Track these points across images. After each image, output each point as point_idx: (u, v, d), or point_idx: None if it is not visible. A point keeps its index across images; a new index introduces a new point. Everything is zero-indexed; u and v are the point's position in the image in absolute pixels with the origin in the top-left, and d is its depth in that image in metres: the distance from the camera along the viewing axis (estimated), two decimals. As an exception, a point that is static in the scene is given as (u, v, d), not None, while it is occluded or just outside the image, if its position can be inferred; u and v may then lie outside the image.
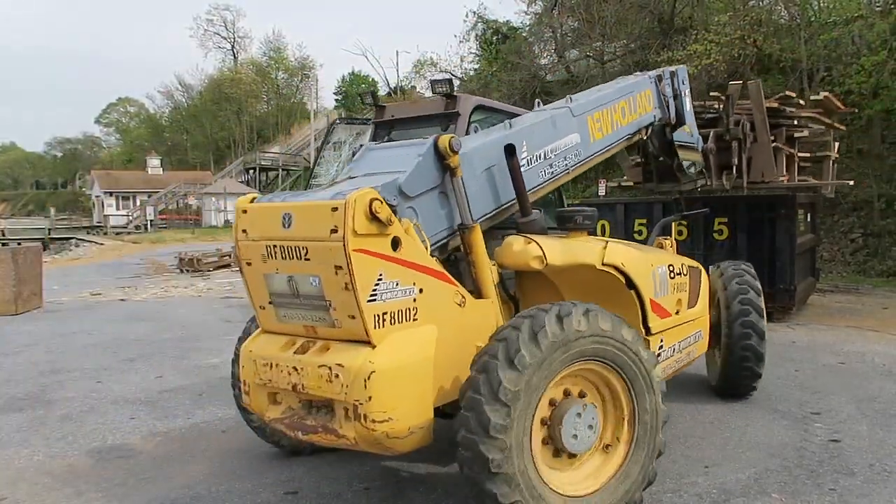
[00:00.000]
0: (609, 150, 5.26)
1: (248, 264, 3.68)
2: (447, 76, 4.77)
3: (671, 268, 5.00)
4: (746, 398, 5.99)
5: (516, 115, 4.69)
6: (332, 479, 4.36)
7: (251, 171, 55.77)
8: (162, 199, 51.83)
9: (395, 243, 3.36)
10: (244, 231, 3.67)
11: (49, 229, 46.74)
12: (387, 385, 3.25)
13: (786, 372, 6.93)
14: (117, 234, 43.51)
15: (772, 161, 9.05)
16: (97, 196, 58.77)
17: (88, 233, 46.18)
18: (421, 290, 3.47)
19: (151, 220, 46.76)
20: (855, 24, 15.66)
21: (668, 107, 5.95)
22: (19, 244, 23.47)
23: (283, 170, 55.13)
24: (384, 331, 3.33)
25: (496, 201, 4.12)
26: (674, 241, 6.00)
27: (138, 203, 53.09)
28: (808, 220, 11.49)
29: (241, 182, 54.94)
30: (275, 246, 3.49)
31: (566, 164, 4.67)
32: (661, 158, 6.79)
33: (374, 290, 3.28)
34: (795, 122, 9.76)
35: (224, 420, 5.68)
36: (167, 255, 25.43)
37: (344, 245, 3.18)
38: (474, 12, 32.55)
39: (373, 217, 3.23)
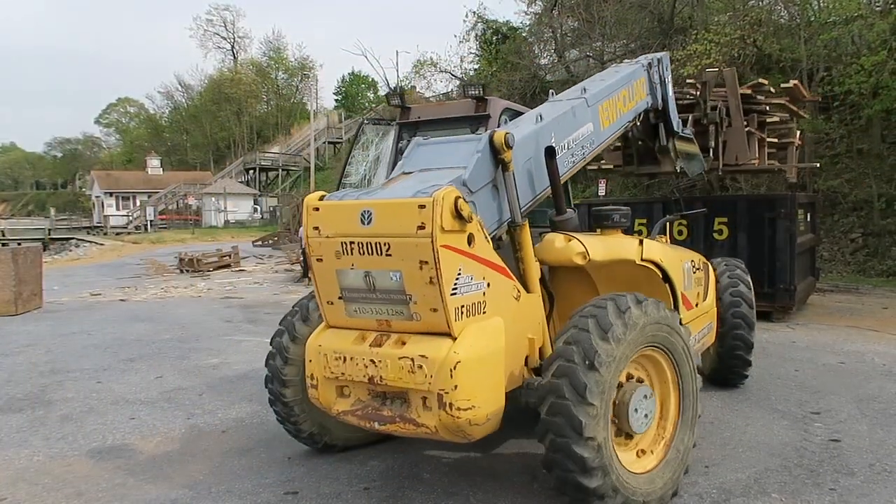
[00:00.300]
0: (613, 137, 5.42)
1: (319, 260, 3.72)
2: (477, 83, 5.06)
3: (693, 263, 5.40)
4: (738, 387, 6.27)
5: None
6: (332, 479, 4.35)
7: (251, 171, 55.76)
8: (162, 199, 51.81)
9: (470, 239, 3.49)
10: (316, 228, 3.69)
11: (49, 230, 46.71)
12: (470, 374, 3.39)
13: (786, 372, 6.93)
14: (117, 234, 43.51)
15: (745, 144, 9.39)
16: (97, 196, 58.74)
17: (88, 233, 46.17)
18: (488, 284, 3.60)
19: (151, 221, 46.73)
20: (855, 24, 15.62)
21: (655, 92, 6.15)
22: (19, 244, 23.49)
23: (283, 170, 55.12)
24: (462, 323, 3.46)
25: (532, 193, 4.21)
26: (667, 240, 6.15)
27: (138, 203, 53.08)
28: (808, 219, 11.49)
29: (241, 182, 54.92)
30: (351, 242, 3.56)
31: (583, 153, 4.81)
32: (642, 142, 6.99)
33: (455, 284, 3.41)
34: (766, 108, 10.02)
35: (224, 420, 5.68)
36: (167, 255, 25.44)
37: (432, 241, 3.30)
38: (474, 12, 32.51)
39: (457, 214, 3.36)
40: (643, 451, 3.92)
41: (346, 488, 4.22)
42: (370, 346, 3.65)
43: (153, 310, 12.26)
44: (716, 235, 10.05)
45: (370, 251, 3.50)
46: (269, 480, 4.38)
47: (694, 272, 5.34)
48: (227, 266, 20.37)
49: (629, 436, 3.80)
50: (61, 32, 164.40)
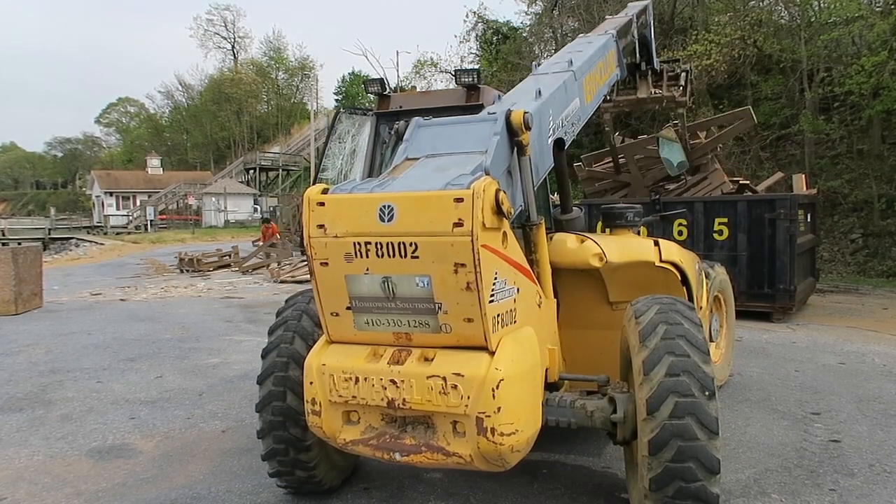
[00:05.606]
0: (592, 112, 5.03)
1: (324, 265, 3.12)
2: (474, 69, 4.54)
3: (699, 264, 5.26)
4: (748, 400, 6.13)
5: None
6: (332, 479, 4.35)
7: (251, 171, 55.83)
8: (162, 199, 51.84)
9: (504, 238, 3.05)
10: (320, 226, 3.09)
11: (49, 229, 46.76)
12: (514, 394, 2.97)
13: (786, 372, 6.93)
14: (117, 234, 43.52)
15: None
16: (97, 196, 58.78)
17: (88, 233, 46.18)
18: (518, 290, 3.20)
19: (151, 220, 46.77)
20: (855, 25, 15.65)
21: (635, 49, 6.55)
22: (19, 244, 23.49)
23: (283, 170, 55.16)
24: (497, 335, 3.03)
25: (535, 179, 3.74)
26: None
27: (138, 203, 53.12)
28: (808, 220, 11.49)
29: (241, 182, 54.96)
30: (367, 243, 2.99)
31: (573, 131, 4.40)
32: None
33: (493, 290, 2.97)
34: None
35: (224, 420, 5.67)
36: (167, 255, 25.44)
37: (472, 240, 2.82)
38: (474, 12, 32.57)
39: (497, 209, 2.91)
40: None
41: (346, 488, 4.21)
42: (388, 363, 3.12)
43: (153, 309, 12.25)
44: (716, 236, 10.06)
45: (391, 253, 2.95)
46: (269, 480, 4.35)
47: (700, 274, 5.34)
48: (227, 266, 20.36)
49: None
50: (62, 32, 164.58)
